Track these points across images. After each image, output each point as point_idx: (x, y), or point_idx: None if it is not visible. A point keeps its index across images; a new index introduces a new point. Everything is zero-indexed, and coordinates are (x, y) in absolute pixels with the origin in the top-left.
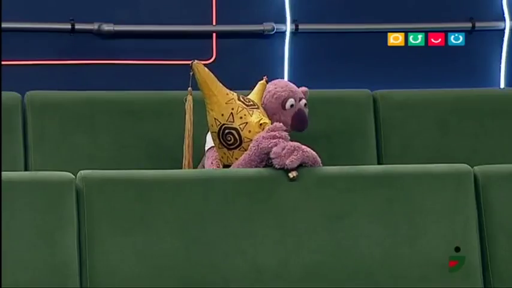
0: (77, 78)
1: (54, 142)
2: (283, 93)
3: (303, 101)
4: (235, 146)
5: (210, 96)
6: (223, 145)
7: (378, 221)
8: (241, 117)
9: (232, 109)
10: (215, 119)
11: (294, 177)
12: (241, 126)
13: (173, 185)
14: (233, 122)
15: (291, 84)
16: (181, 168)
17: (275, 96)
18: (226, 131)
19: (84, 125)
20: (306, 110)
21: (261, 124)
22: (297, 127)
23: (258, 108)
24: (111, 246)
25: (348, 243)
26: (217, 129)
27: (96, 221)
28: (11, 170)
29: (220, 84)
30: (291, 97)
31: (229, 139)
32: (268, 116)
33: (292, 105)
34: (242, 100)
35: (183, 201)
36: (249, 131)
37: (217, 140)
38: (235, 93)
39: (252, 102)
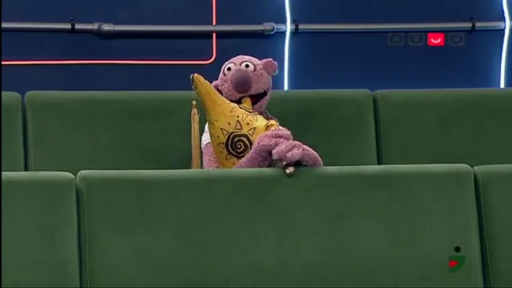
0: (77, 78)
1: (54, 142)
2: (225, 63)
3: (245, 63)
4: (245, 153)
5: (214, 106)
6: (233, 154)
7: (378, 221)
8: (248, 124)
9: (238, 117)
10: (222, 129)
11: (290, 172)
12: (249, 132)
13: (173, 185)
14: (241, 129)
15: (244, 56)
16: None
17: (221, 69)
18: (236, 138)
19: (84, 125)
20: (250, 70)
21: (268, 126)
22: (236, 86)
23: (258, 114)
24: (111, 246)
25: (348, 243)
26: (226, 139)
27: (96, 221)
28: (11, 170)
29: (220, 95)
30: (230, 63)
31: (240, 147)
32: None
33: (229, 69)
34: (243, 108)
35: (183, 201)
36: (258, 135)
37: (225, 150)
38: (234, 103)
39: (251, 110)
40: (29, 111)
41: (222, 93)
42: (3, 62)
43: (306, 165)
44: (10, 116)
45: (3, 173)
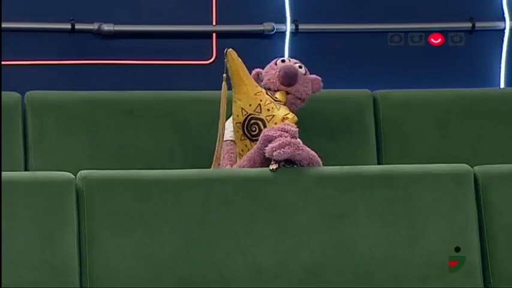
0: (77, 78)
1: (54, 142)
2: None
3: (299, 64)
4: (258, 137)
5: (240, 85)
6: (247, 136)
7: (378, 221)
8: (268, 110)
9: (261, 101)
10: (242, 108)
11: (273, 169)
12: (267, 118)
13: (173, 185)
14: (260, 113)
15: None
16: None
17: (273, 60)
18: (252, 121)
19: (84, 125)
20: (302, 72)
21: (284, 118)
22: (283, 76)
23: (284, 105)
24: (111, 246)
25: (348, 243)
26: (243, 119)
27: (96, 221)
28: (11, 170)
29: (250, 76)
30: (284, 58)
31: (254, 129)
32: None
33: (283, 61)
34: (270, 95)
35: (183, 201)
36: (275, 123)
37: (241, 131)
38: (263, 89)
39: (278, 99)
40: (29, 111)
41: (261, 80)
42: (3, 62)
43: (301, 165)
44: (10, 116)
45: (3, 173)
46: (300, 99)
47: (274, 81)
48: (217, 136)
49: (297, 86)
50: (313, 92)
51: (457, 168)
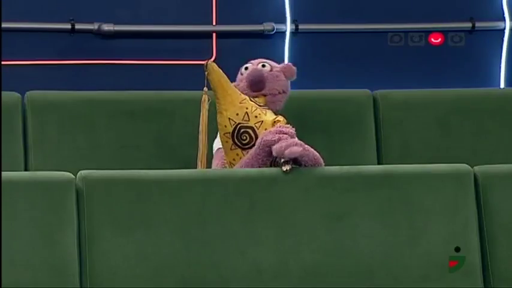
0: (77, 78)
1: (54, 142)
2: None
3: (262, 64)
4: (250, 145)
5: (225, 96)
6: (238, 145)
7: (378, 221)
8: (256, 116)
9: (247, 108)
10: (229, 119)
11: (287, 170)
12: (256, 124)
13: (173, 185)
14: (248, 120)
15: (264, 59)
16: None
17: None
18: (242, 130)
19: (84, 125)
20: (266, 70)
21: (275, 122)
22: (250, 84)
23: (269, 109)
24: (111, 246)
25: (348, 243)
26: (232, 129)
27: (96, 221)
28: (11, 170)
29: (232, 86)
30: (248, 63)
31: (245, 138)
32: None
33: (246, 68)
34: (254, 101)
35: (183, 201)
36: (265, 129)
37: (231, 140)
38: (246, 96)
39: (262, 104)
40: (29, 111)
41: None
42: (3, 62)
43: (305, 166)
44: (10, 116)
45: (3, 173)
46: (279, 93)
47: (246, 91)
48: (205, 140)
49: (267, 85)
50: (288, 79)
51: (457, 168)
